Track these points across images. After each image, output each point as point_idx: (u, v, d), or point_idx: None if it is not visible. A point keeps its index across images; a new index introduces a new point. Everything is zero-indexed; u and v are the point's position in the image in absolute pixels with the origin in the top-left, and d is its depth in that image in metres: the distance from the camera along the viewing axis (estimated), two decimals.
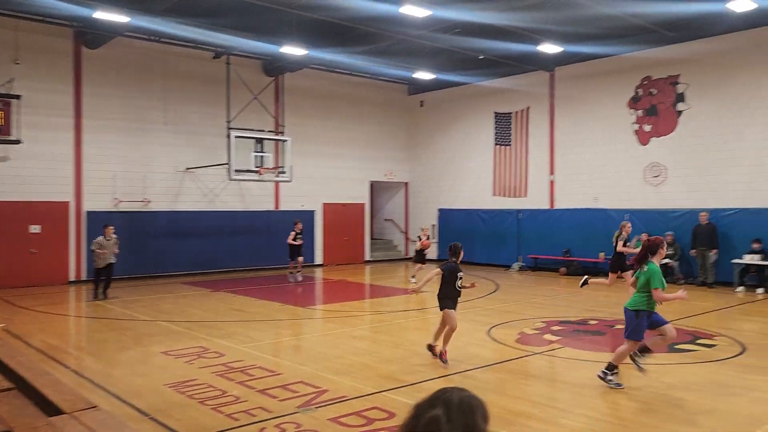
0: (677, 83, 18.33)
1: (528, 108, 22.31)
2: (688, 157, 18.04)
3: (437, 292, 8.60)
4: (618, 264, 13.13)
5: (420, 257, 18.20)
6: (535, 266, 21.54)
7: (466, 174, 24.30)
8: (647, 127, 19.03)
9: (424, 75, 21.97)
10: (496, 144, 23.22)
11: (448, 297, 8.43)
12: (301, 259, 18.57)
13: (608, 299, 14.95)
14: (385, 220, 27.27)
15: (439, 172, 25.26)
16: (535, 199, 22.00)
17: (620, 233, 13.30)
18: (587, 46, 18.38)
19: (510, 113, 22.80)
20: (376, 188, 26.62)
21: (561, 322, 11.61)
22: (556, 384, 7.79)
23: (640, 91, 19.20)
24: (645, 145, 19.08)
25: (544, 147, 21.80)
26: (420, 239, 18.29)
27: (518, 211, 22.24)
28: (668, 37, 17.50)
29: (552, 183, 21.57)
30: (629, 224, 13.67)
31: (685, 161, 18.11)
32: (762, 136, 16.60)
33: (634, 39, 17.97)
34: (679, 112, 18.29)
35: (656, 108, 18.78)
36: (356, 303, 15.46)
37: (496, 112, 23.18)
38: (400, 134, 26.27)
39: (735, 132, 17.10)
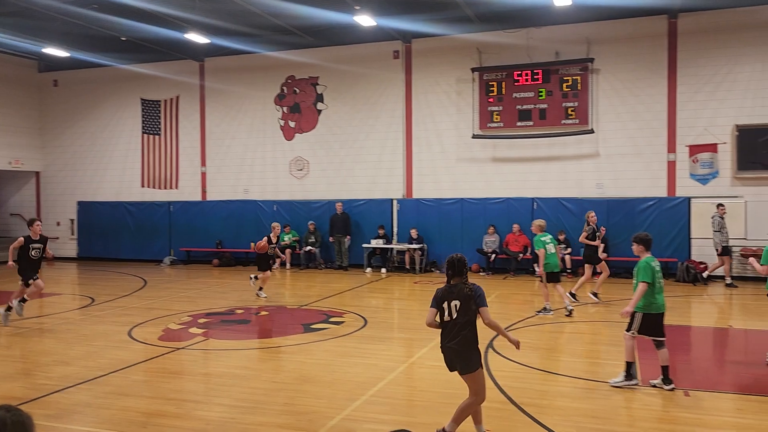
0: (317, 84, 19.98)
1: (178, 97, 21.74)
2: (327, 153, 19.84)
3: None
4: (589, 257, 12.74)
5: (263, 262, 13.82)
6: (188, 259, 21.20)
7: (110, 164, 22.56)
8: (292, 123, 20.31)
9: (56, 51, 19.59)
10: (144, 133, 22.08)
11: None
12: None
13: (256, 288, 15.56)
14: (11, 215, 23.65)
15: (79, 161, 22.92)
16: (187, 191, 21.62)
17: (587, 225, 12.76)
18: (236, 41, 18.75)
19: (159, 101, 21.90)
20: None
21: (208, 314, 11.66)
22: (195, 377, 7.77)
23: (286, 89, 20.37)
24: (290, 140, 20.33)
25: (195, 138, 21.54)
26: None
27: (169, 203, 21.57)
28: (308, 41, 18.91)
29: (204, 174, 21.47)
30: (593, 213, 13.09)
31: (324, 156, 19.87)
32: (383, 136, 19.18)
33: (279, 40, 18.97)
34: (319, 111, 19.97)
35: (299, 106, 20.17)
36: None
37: (143, 99, 22.01)
38: (29, 117, 23.02)
39: (363, 132, 19.42)
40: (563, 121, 17.30)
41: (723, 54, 16.14)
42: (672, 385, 6.84)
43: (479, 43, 17.99)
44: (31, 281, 10.67)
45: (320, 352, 8.69)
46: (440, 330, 5.31)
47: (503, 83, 17.82)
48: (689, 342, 9.85)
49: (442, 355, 5.33)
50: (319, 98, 19.97)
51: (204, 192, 21.47)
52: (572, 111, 17.21)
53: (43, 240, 10.93)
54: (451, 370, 5.35)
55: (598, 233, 12.87)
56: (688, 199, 16.31)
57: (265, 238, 13.60)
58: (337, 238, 18.68)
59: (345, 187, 19.49)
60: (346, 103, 19.67)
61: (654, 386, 6.90)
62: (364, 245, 18.52)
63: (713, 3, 15.59)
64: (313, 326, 10.45)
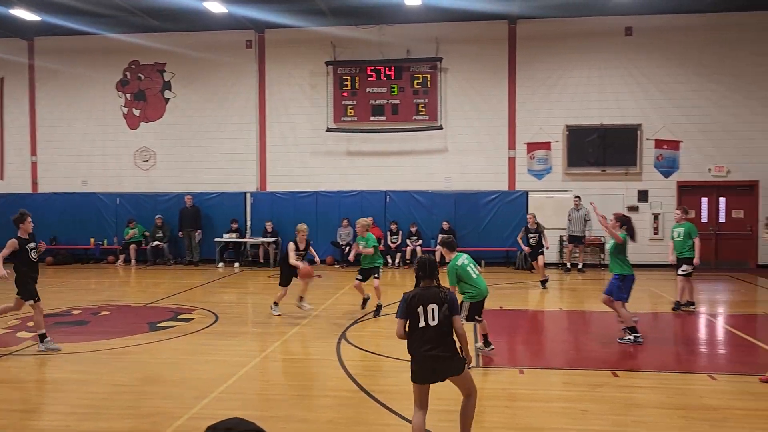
0: (164, 71, 18.99)
1: (2, 79, 19.65)
2: (176, 144, 18.95)
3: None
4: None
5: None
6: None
7: None
8: (136, 112, 19.15)
9: None
10: None
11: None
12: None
13: (98, 287, 14.56)
14: None
15: None
16: (14, 183, 19.65)
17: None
18: (71, 20, 17.23)
19: None
20: None
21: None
22: (25, 385, 7.11)
23: (129, 75, 19.16)
24: (135, 129, 19.17)
25: (23, 124, 19.61)
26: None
27: None
28: (154, 25, 17.90)
29: (34, 165, 19.60)
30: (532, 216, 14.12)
31: (172, 147, 18.96)
32: (236, 127, 18.70)
33: (121, 21, 17.71)
34: (167, 99, 19.01)
35: (144, 93, 19.06)
36: None
37: None
38: None
39: (215, 122, 18.79)
40: (414, 117, 17.94)
41: (555, 59, 17.60)
42: (492, 347, 7.84)
43: (333, 37, 18.10)
44: (31, 302, 8.30)
45: (167, 351, 8.32)
46: (409, 338, 4.80)
47: (357, 78, 18.10)
48: (525, 324, 10.66)
49: (415, 365, 4.76)
50: (167, 86, 19.01)
51: (35, 183, 19.63)
52: (423, 107, 17.89)
53: (33, 237, 8.69)
54: (427, 382, 4.77)
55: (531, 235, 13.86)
56: (526, 192, 17.61)
57: (297, 259, 10.80)
58: (186, 232, 17.94)
59: (196, 180, 18.75)
60: (196, 92, 18.90)
61: (477, 348, 7.82)
62: (216, 239, 17.96)
63: (546, 12, 16.92)
64: (159, 324, 9.97)
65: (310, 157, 18.54)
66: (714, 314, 11.22)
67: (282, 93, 18.64)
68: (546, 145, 17.66)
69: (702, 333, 9.92)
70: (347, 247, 17.60)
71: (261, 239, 17.71)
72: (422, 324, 4.70)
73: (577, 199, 16.68)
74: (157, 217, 18.29)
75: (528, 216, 14.31)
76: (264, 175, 18.75)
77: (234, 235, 17.86)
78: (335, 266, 17.56)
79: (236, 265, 17.73)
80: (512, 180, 17.89)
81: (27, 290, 8.35)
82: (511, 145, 17.83)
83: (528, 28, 17.58)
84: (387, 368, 7.55)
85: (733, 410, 6.00)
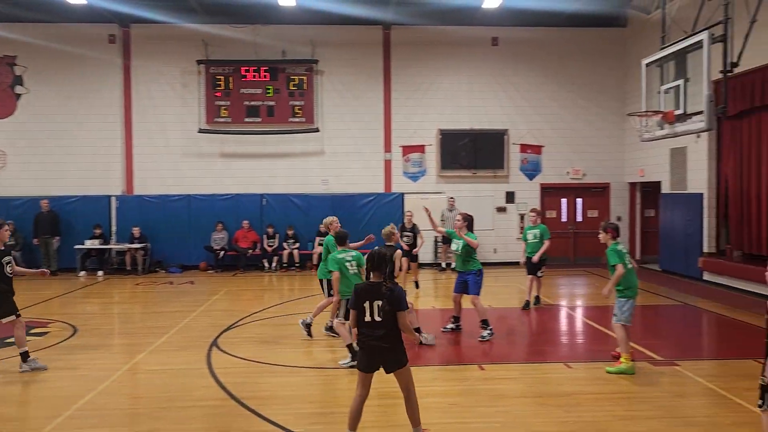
0: (14, 65, 17.45)
1: None
2: (30, 143, 17.47)
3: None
4: None
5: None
6: None
7: None
8: None
9: None
10: None
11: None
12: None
13: None
14: None
15: None
16: None
17: None
18: None
19: None
20: None
21: None
22: None
23: None
24: None
25: None
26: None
27: None
28: (3, 14, 16.40)
29: None
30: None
31: (26, 147, 17.46)
32: (99, 126, 17.55)
33: None
34: (18, 96, 17.48)
35: None
36: None
37: None
38: None
39: (75, 121, 17.52)
40: (290, 119, 17.76)
41: (428, 66, 18.15)
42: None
43: (205, 35, 17.51)
44: (12, 318, 7.56)
45: (17, 369, 7.61)
46: (357, 329, 5.10)
47: (231, 78, 17.63)
48: None
49: (360, 352, 5.13)
50: (18, 81, 17.46)
51: None
52: (299, 109, 17.76)
53: (8, 249, 7.74)
54: (370, 371, 5.11)
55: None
56: (402, 194, 18.00)
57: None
58: (43, 239, 16.56)
59: (53, 183, 17.37)
60: (53, 89, 17.53)
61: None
62: (77, 246, 16.73)
63: (418, 20, 17.41)
64: (8, 341, 9.10)
65: (181, 158, 17.80)
66: (572, 307, 12.06)
67: (150, 91, 17.74)
68: (420, 148, 18.16)
69: (561, 325, 10.62)
70: (221, 252, 17.09)
71: (128, 245, 16.74)
72: (368, 318, 4.99)
73: (451, 199, 17.29)
74: (8, 223, 16.69)
75: (406, 213, 14.27)
76: (131, 178, 17.75)
77: (97, 241, 16.72)
78: (209, 271, 16.99)
79: (100, 273, 16.64)
80: (389, 182, 18.21)
81: (7, 306, 7.56)
82: (387, 147, 18.16)
83: (402, 34, 18.00)
84: (260, 374, 7.40)
85: (586, 395, 6.48)
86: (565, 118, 18.31)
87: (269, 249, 17.22)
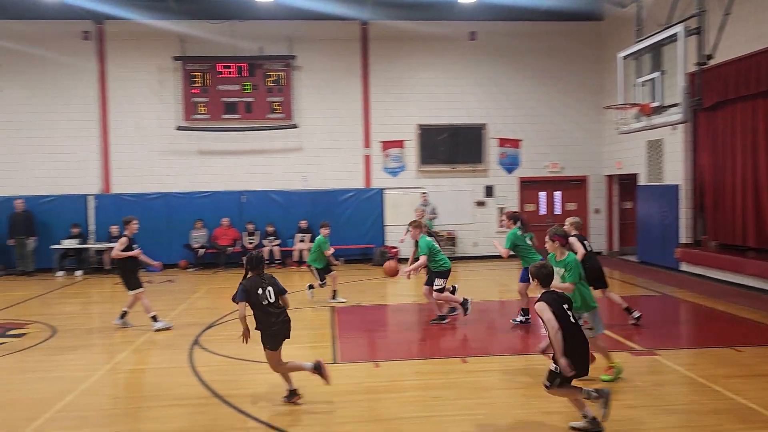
0: None
1: None
2: (3, 144, 17.15)
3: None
4: None
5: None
6: None
7: None
8: None
9: None
10: None
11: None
12: None
13: None
14: None
15: None
16: None
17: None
18: None
19: None
20: None
21: None
22: None
23: None
24: None
25: None
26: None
27: None
28: None
29: None
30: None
31: None
32: (74, 125, 17.28)
33: None
34: None
35: None
36: None
37: None
38: None
39: (49, 119, 17.23)
40: (269, 116, 17.64)
41: (406, 61, 18.15)
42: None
43: (181, 31, 17.31)
44: (136, 291, 9.60)
45: None
46: (257, 315, 5.95)
47: (207, 74, 17.46)
48: (381, 319, 10.89)
49: (268, 336, 5.95)
50: None
51: None
52: (278, 106, 17.65)
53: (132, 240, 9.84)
54: (280, 346, 6.03)
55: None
56: (382, 190, 18.00)
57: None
58: (18, 239, 16.27)
59: (27, 182, 17.06)
60: (25, 86, 17.21)
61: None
62: (54, 246, 16.48)
63: (395, 14, 17.39)
64: None
65: (158, 156, 17.59)
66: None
67: (126, 89, 17.51)
68: (400, 144, 18.17)
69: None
70: (201, 250, 16.96)
71: (106, 244, 16.50)
72: (265, 302, 5.93)
73: (424, 194, 17.33)
74: None
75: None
76: (108, 177, 17.51)
77: (75, 241, 16.48)
78: (189, 270, 16.84)
79: (78, 272, 16.41)
80: (368, 178, 18.20)
81: (129, 283, 9.67)
82: (367, 143, 18.14)
83: (379, 29, 17.96)
84: (243, 371, 7.36)
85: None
86: (542, 111, 18.43)
87: (249, 246, 17.11)
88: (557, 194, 18.88)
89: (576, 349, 5.08)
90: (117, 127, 17.48)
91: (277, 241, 17.25)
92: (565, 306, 5.17)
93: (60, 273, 16.36)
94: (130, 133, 17.52)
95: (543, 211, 18.88)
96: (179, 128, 17.39)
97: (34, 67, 17.17)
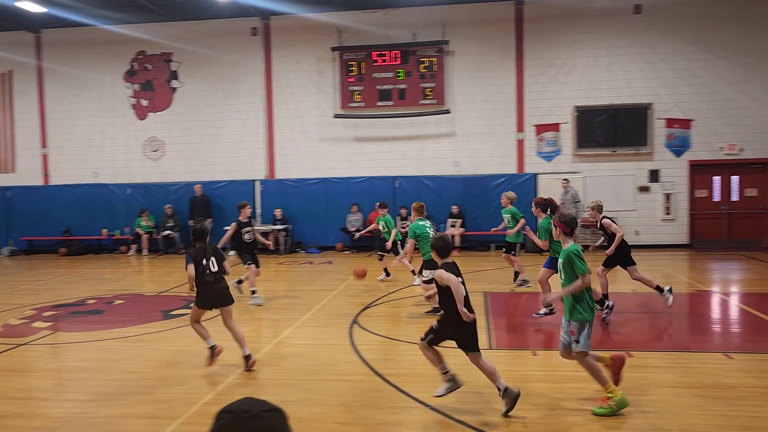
0: (170, 61, 18.98)
1: (11, 72, 19.71)
2: (184, 133, 18.98)
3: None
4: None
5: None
6: (30, 249, 19.44)
7: None
8: (144, 102, 19.17)
9: None
10: None
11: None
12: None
13: (112, 277, 14.69)
14: None
15: None
16: (26, 175, 19.76)
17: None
18: (77, 12, 17.23)
19: None
20: None
21: (55, 306, 10.79)
22: (42, 374, 7.19)
23: (136, 65, 19.16)
24: (143, 119, 19.21)
25: (33, 117, 19.68)
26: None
27: (6, 188, 19.59)
28: (160, 14, 17.87)
29: (45, 157, 19.70)
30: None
31: (181, 137, 18.99)
32: (243, 116, 18.69)
33: (127, 12, 17.69)
34: (174, 89, 19.01)
35: (152, 83, 19.07)
36: None
37: None
38: None
39: (223, 111, 18.79)
40: (421, 102, 17.84)
41: (563, 40, 17.41)
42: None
43: (339, 22, 17.99)
44: (246, 266, 10.70)
45: (181, 339, 8.38)
46: (197, 280, 6.78)
47: (363, 63, 18.00)
48: (537, 307, 10.62)
49: (202, 297, 6.81)
50: (174, 76, 19.00)
51: (46, 176, 19.73)
52: (430, 91, 17.78)
53: (251, 223, 10.98)
54: (208, 308, 6.89)
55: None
56: (535, 175, 17.51)
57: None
58: (197, 221, 17.98)
59: (205, 169, 18.79)
60: (203, 81, 18.89)
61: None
62: (226, 228, 17.95)
63: None
64: (173, 312, 10.04)
65: (318, 143, 18.52)
66: (727, 293, 11.15)
67: (289, 80, 18.58)
68: (555, 127, 17.53)
69: (715, 312, 9.86)
70: (356, 233, 17.61)
71: (271, 227, 17.74)
72: (208, 270, 6.80)
73: (565, 181, 16.60)
74: (167, 206, 18.36)
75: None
76: (272, 163, 18.76)
77: None
78: (345, 252, 17.58)
79: (231, 253, 17.74)
80: (521, 162, 17.78)
81: (243, 258, 10.83)
82: (520, 127, 17.71)
83: (535, 8, 17.39)
84: (400, 352, 7.57)
85: (749, 388, 5.97)
86: (718, 88, 16.82)
87: (402, 231, 17.46)
88: (734, 179, 17.21)
89: (457, 317, 5.33)
90: (280, 116, 18.63)
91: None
92: (460, 279, 5.46)
93: (231, 252, 17.81)
94: (292, 121, 18.57)
95: (717, 197, 17.31)
96: (336, 116, 18.13)
97: (208, 64, 18.77)
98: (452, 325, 5.40)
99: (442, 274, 5.38)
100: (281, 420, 1.66)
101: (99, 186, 19.16)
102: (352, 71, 18.06)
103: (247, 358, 6.81)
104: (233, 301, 7.00)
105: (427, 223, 9.63)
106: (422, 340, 5.58)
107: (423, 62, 17.80)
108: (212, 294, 6.83)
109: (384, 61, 17.93)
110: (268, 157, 18.75)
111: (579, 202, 16.24)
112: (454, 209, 17.24)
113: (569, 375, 6.52)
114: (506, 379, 5.55)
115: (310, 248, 18.06)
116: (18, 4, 16.11)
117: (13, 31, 19.09)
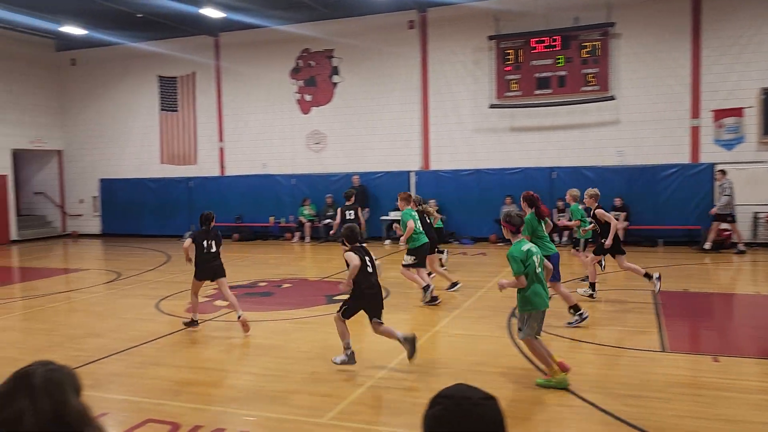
0: (332, 57, 19.84)
1: (194, 73, 21.72)
2: (343, 126, 19.78)
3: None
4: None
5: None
6: None
7: (129, 141, 22.70)
8: (308, 97, 20.23)
9: (73, 30, 19.63)
10: (162, 110, 22.14)
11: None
12: None
13: (277, 261, 15.72)
14: (35, 193, 23.97)
15: (99, 139, 23.09)
16: (206, 167, 21.72)
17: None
18: (250, 15, 18.62)
19: (175, 78, 21.90)
20: (21, 158, 23.15)
21: (231, 288, 11.70)
22: (223, 348, 7.90)
23: (300, 63, 20.26)
24: (306, 113, 20.28)
25: (212, 113, 21.56)
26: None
27: (188, 179, 21.70)
28: (324, 13, 18.73)
29: (222, 150, 21.53)
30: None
31: (340, 130, 19.82)
32: (399, 108, 19.05)
33: (293, 12, 18.78)
34: (335, 84, 19.86)
35: (315, 79, 20.06)
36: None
37: (160, 76, 22.03)
38: (48, 96, 23.15)
39: (380, 104, 19.30)
40: (583, 88, 17.04)
41: (747, 16, 15.74)
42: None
43: (496, 10, 17.69)
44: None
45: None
46: (197, 259, 8.25)
47: (520, 51, 17.56)
48: (712, 309, 9.78)
49: (200, 269, 8.33)
50: (335, 71, 19.84)
51: (222, 167, 21.57)
52: (592, 77, 16.93)
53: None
54: (205, 280, 8.40)
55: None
56: (712, 165, 16.05)
57: None
58: (344, 208, 18.65)
59: (362, 160, 19.46)
60: (361, 75, 19.53)
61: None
62: (382, 217, 18.54)
63: None
64: (336, 297, 10.52)
65: (472, 134, 18.40)
66: None
67: (444, 71, 18.63)
68: (737, 112, 15.92)
69: None
70: None
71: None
72: (206, 251, 8.24)
73: (721, 171, 15.00)
74: (327, 196, 19.29)
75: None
76: (427, 154, 18.96)
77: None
78: (499, 244, 17.36)
79: (387, 242, 18.17)
80: (696, 151, 16.38)
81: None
82: (695, 113, 16.31)
83: None
84: (559, 348, 7.33)
85: None
86: None
87: (560, 223, 16.86)
88: None
89: (367, 291, 6.46)
90: (435, 108, 18.75)
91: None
92: (367, 258, 6.49)
93: (387, 242, 18.34)
94: (447, 113, 18.62)
95: None
96: (492, 106, 17.89)
97: (367, 58, 19.35)
98: (359, 299, 6.45)
99: (349, 255, 6.38)
100: (497, 408, 1.66)
101: (267, 177, 20.58)
102: (509, 60, 17.69)
103: (239, 318, 8.10)
104: (225, 274, 8.42)
105: (415, 214, 10.14)
106: (338, 312, 6.50)
107: (585, 47, 16.97)
108: (208, 268, 8.31)
109: (543, 47, 17.35)
110: (423, 149, 18.98)
111: (728, 196, 14.61)
112: (617, 202, 16.31)
113: (755, 386, 5.94)
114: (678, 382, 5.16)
115: (463, 239, 18.05)
116: (202, 11, 17.70)
117: (196, 36, 21.02)
